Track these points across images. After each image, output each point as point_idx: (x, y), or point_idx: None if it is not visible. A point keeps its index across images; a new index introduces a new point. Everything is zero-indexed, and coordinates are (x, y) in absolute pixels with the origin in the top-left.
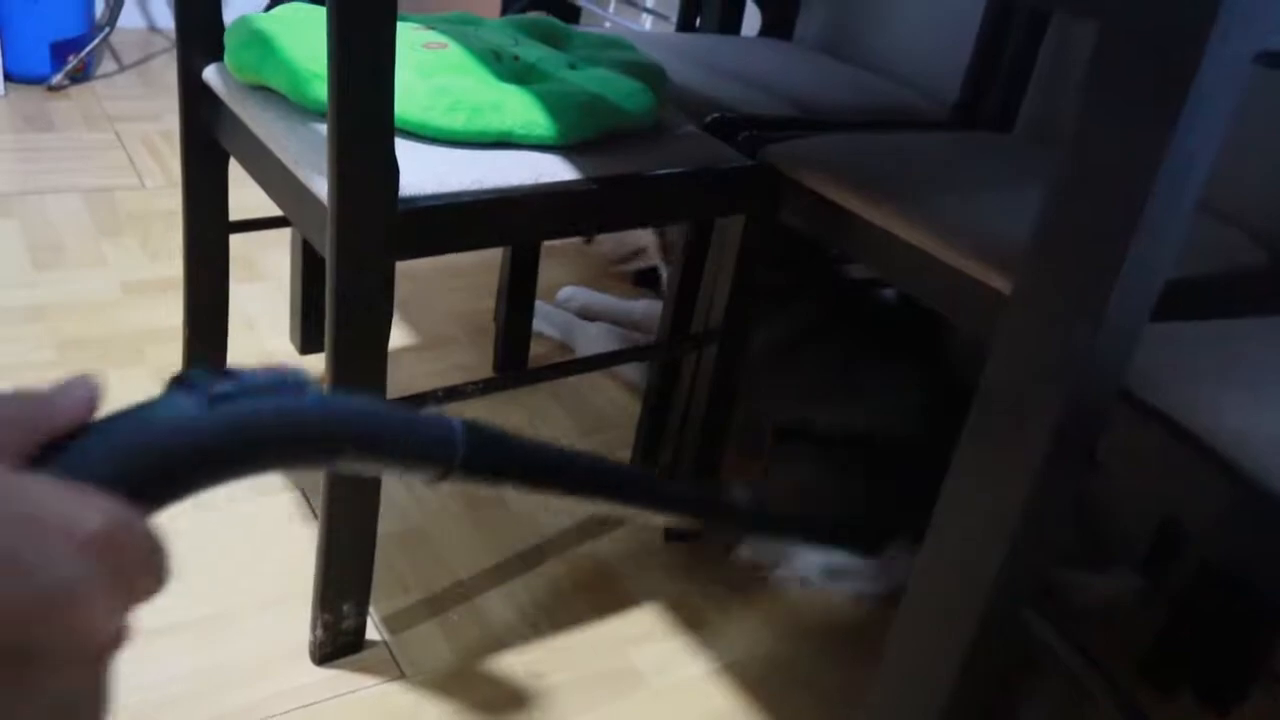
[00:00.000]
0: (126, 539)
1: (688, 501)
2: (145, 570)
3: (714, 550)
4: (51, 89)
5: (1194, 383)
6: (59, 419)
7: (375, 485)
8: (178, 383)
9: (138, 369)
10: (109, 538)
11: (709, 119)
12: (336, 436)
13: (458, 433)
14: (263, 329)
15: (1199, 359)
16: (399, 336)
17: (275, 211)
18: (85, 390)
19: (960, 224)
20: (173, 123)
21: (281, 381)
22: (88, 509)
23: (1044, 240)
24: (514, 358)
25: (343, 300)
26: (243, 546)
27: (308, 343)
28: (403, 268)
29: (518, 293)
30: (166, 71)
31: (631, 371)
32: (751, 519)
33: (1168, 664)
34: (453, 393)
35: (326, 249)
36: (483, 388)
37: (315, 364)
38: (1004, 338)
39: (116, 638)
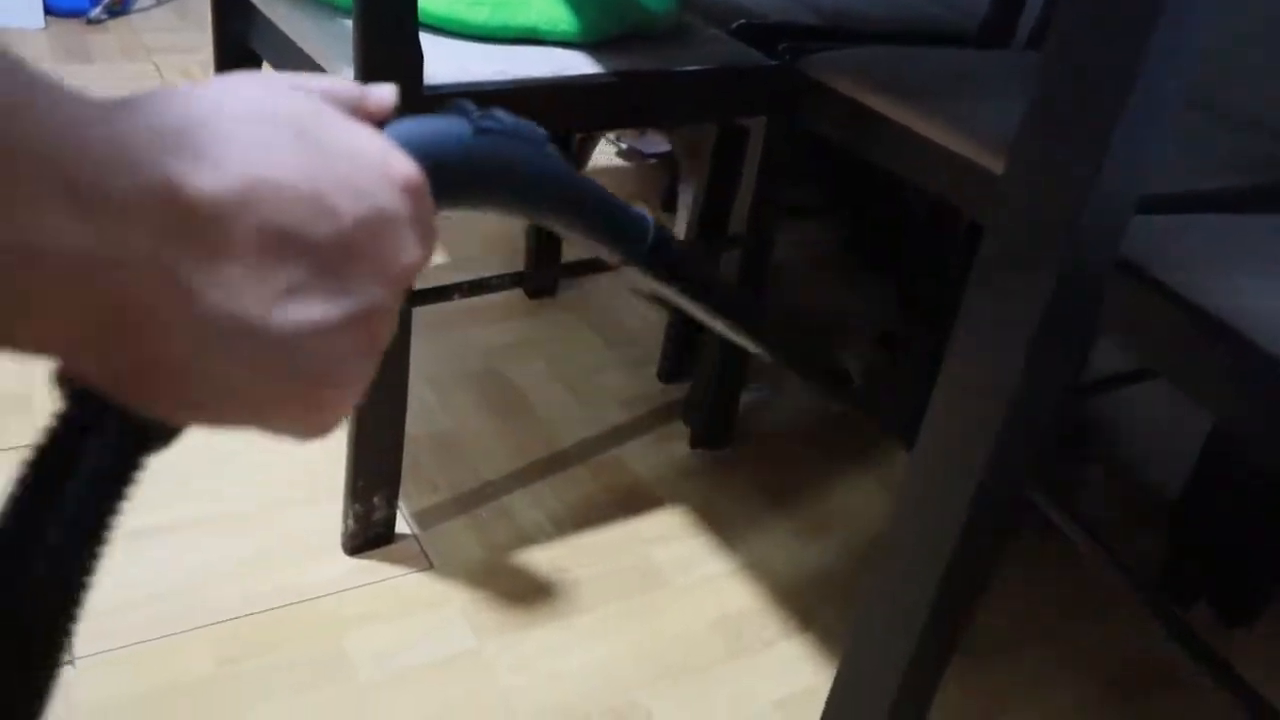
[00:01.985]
0: (425, 193)
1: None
2: (430, 231)
3: (737, 457)
4: (90, 22)
5: (1218, 270)
6: (370, 106)
7: (403, 381)
8: (453, 108)
9: None
10: (417, 187)
11: (735, 25)
12: (568, 195)
13: (651, 226)
14: None
15: (1220, 249)
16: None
17: None
18: (389, 93)
19: (980, 123)
20: (209, 54)
21: (532, 133)
22: (402, 159)
23: (1039, 110)
24: (543, 283)
25: None
26: (276, 445)
27: None
28: None
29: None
30: (202, 4)
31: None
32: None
33: (1184, 575)
34: (477, 286)
35: None
36: (509, 281)
37: None
38: (999, 211)
39: (414, 271)
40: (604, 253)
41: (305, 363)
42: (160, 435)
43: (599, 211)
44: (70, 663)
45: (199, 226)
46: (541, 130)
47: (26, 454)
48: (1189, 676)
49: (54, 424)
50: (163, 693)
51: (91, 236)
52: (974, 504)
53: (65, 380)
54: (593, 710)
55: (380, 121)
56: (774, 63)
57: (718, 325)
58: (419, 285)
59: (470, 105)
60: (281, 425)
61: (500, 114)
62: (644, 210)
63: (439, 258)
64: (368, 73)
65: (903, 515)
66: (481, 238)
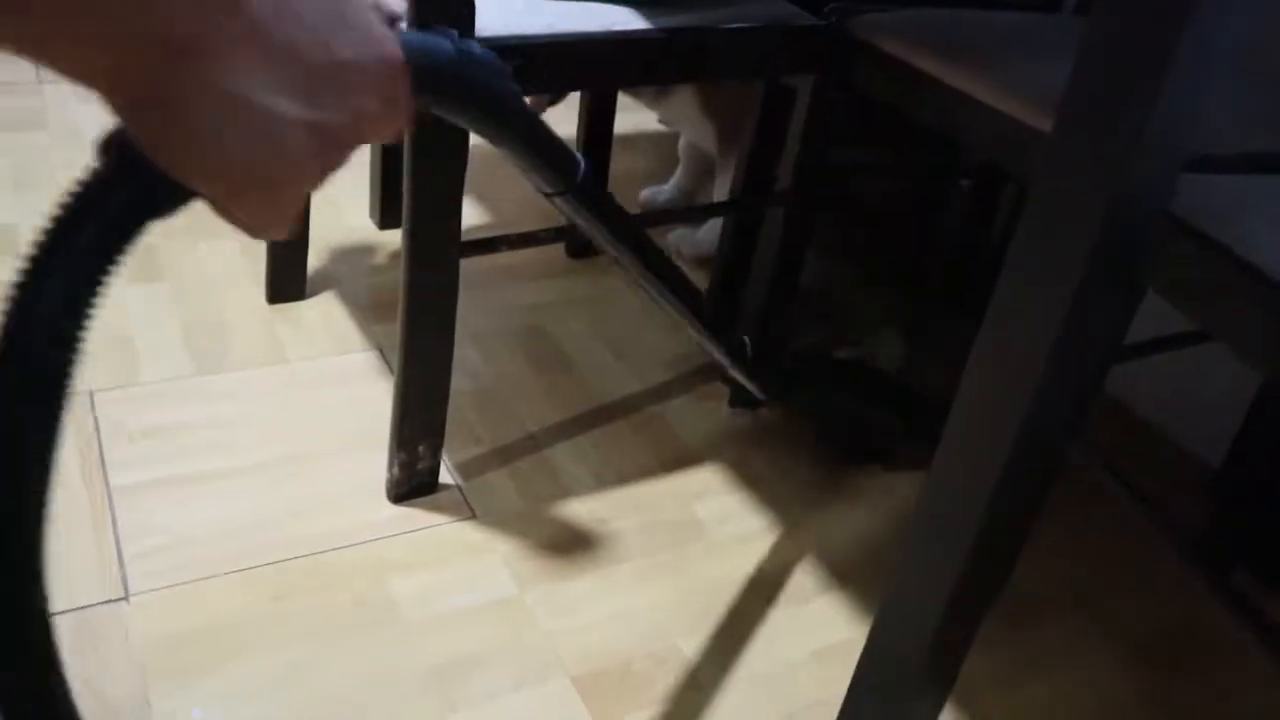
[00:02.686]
0: (405, 77)
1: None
2: (399, 112)
3: (776, 415)
4: None
5: (1272, 228)
6: (385, 6)
7: (450, 331)
8: (439, 31)
9: (227, 239)
10: (401, 70)
11: None
12: (520, 121)
13: (582, 166)
14: (344, 206)
15: (1274, 207)
16: (473, 216)
17: None
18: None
19: (1029, 84)
20: None
21: (499, 66)
22: (396, 46)
23: (1088, 64)
24: (585, 241)
25: (419, 139)
26: (325, 397)
27: (386, 219)
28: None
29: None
30: None
31: (705, 245)
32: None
33: (1224, 541)
34: (525, 239)
35: None
36: (555, 235)
37: (392, 239)
38: (1046, 165)
39: (372, 133)
40: (539, 181)
41: (279, 150)
42: (170, 197)
43: (542, 141)
44: (125, 599)
45: (240, 7)
46: (507, 66)
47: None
48: (1227, 640)
49: (88, 176)
50: (216, 629)
51: None
52: (1011, 458)
53: (108, 144)
54: (633, 655)
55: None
56: (821, 23)
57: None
58: (467, 237)
59: (454, 32)
60: (248, 209)
61: (475, 44)
62: (579, 154)
63: (482, 218)
64: (420, 23)
65: (940, 468)
66: (521, 200)
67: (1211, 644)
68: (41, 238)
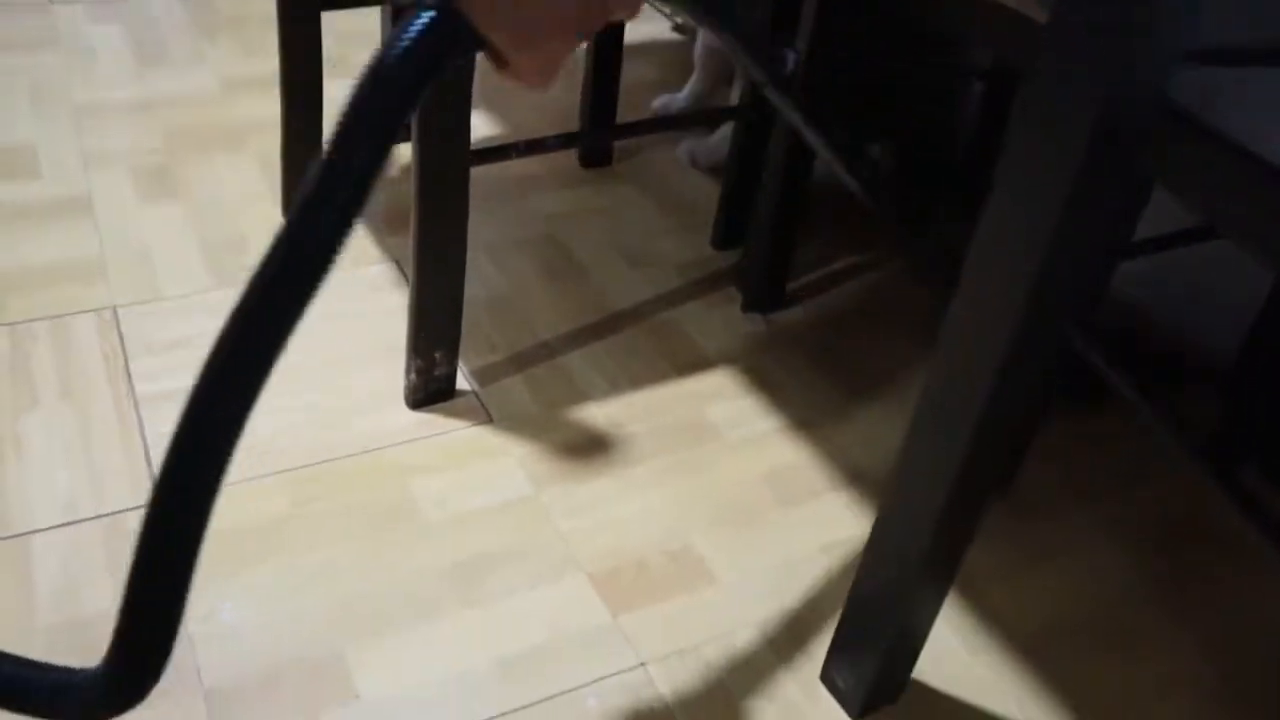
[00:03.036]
0: None
1: None
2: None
3: (788, 320)
4: None
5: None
6: None
7: (462, 237)
8: None
9: (243, 154)
10: None
11: None
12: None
13: (790, 58)
14: None
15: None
16: (485, 127)
17: None
18: None
19: None
20: None
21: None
22: None
23: None
24: (598, 151)
25: None
26: (344, 308)
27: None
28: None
29: (600, 87)
30: None
31: (719, 153)
32: None
33: (1234, 438)
34: (534, 145)
35: None
36: (564, 141)
37: (407, 151)
38: (1043, 53)
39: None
40: (753, 71)
41: (555, 8)
42: (469, 42)
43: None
44: None
45: None
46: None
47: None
48: (1232, 534)
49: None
50: (243, 532)
51: None
52: (1012, 348)
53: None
54: (647, 553)
55: None
56: None
57: None
58: (477, 146)
59: None
60: (525, 59)
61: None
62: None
63: (494, 128)
64: None
65: (941, 358)
66: (534, 107)
67: (1216, 538)
68: (373, 59)
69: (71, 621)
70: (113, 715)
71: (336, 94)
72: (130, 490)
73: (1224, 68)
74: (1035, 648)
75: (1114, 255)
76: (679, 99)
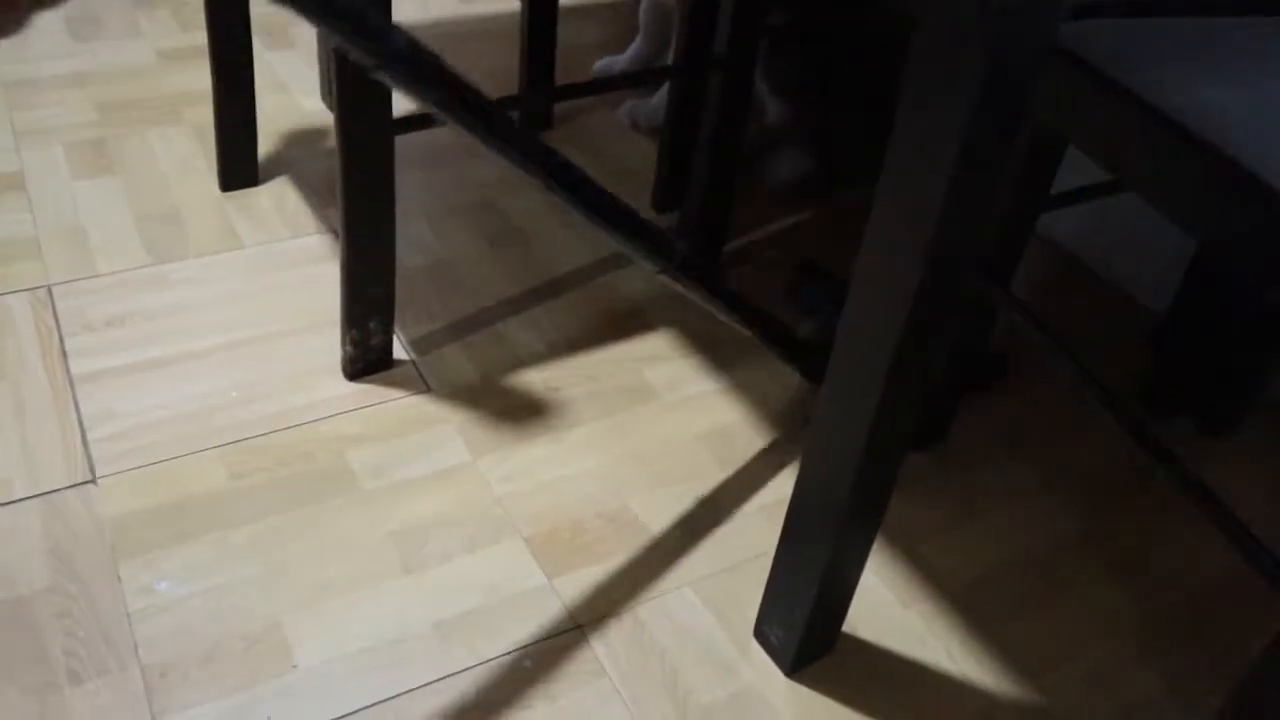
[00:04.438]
0: None
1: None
2: None
3: (725, 280)
4: None
5: (1165, 65)
6: None
7: (389, 202)
8: None
9: (178, 127)
10: None
11: None
12: None
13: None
14: (294, 90)
15: (1172, 47)
16: None
17: None
18: None
19: None
20: None
21: None
22: None
23: None
24: (537, 115)
25: None
26: (281, 280)
27: None
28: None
29: (537, 50)
30: None
31: (659, 115)
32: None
33: (1167, 389)
34: None
35: None
36: (500, 105)
37: None
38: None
39: None
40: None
41: None
42: None
43: None
44: (92, 481)
45: None
46: None
47: None
48: (1161, 487)
49: None
50: (180, 505)
51: None
52: (918, 295)
53: None
54: (585, 515)
55: None
56: None
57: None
58: (400, 113)
59: None
60: None
61: None
62: None
63: None
64: None
65: (852, 306)
66: (475, 71)
67: (1145, 490)
68: None
69: (8, 600)
70: None
71: (275, 63)
72: (65, 469)
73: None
74: (967, 599)
75: (1032, 206)
76: (620, 61)
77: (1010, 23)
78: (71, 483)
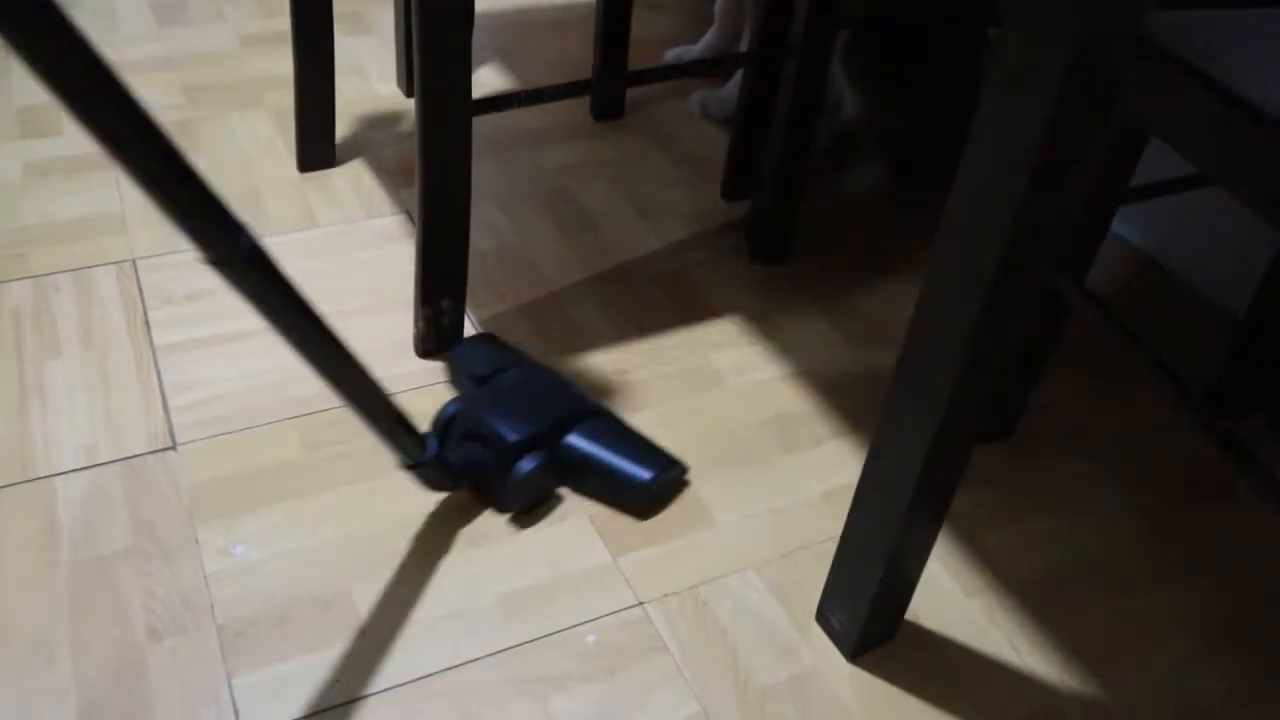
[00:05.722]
0: None
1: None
2: None
3: (794, 271)
4: None
5: (1255, 57)
6: None
7: (466, 181)
8: None
9: (258, 110)
10: None
11: None
12: None
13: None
14: (372, 76)
15: (1262, 38)
16: (499, 82)
17: None
18: None
19: None
20: None
21: None
22: None
23: None
24: (609, 103)
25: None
26: (356, 259)
27: (412, 85)
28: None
29: (611, 38)
30: None
31: (730, 104)
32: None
33: (1241, 387)
34: (537, 94)
35: None
36: (566, 90)
37: None
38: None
39: None
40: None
41: None
42: None
43: None
44: (172, 448)
45: None
46: None
47: None
48: (1234, 485)
49: None
50: (255, 475)
51: None
52: (994, 290)
53: None
54: None
55: None
56: None
57: None
58: (479, 94)
59: None
60: None
61: None
62: None
63: (507, 81)
64: None
65: (925, 302)
66: (550, 62)
67: (1217, 487)
68: None
69: (92, 559)
70: None
71: (353, 49)
72: (147, 436)
73: (1220, 10)
74: (1032, 592)
75: (1110, 201)
76: (693, 51)
77: (1096, 13)
78: (152, 449)
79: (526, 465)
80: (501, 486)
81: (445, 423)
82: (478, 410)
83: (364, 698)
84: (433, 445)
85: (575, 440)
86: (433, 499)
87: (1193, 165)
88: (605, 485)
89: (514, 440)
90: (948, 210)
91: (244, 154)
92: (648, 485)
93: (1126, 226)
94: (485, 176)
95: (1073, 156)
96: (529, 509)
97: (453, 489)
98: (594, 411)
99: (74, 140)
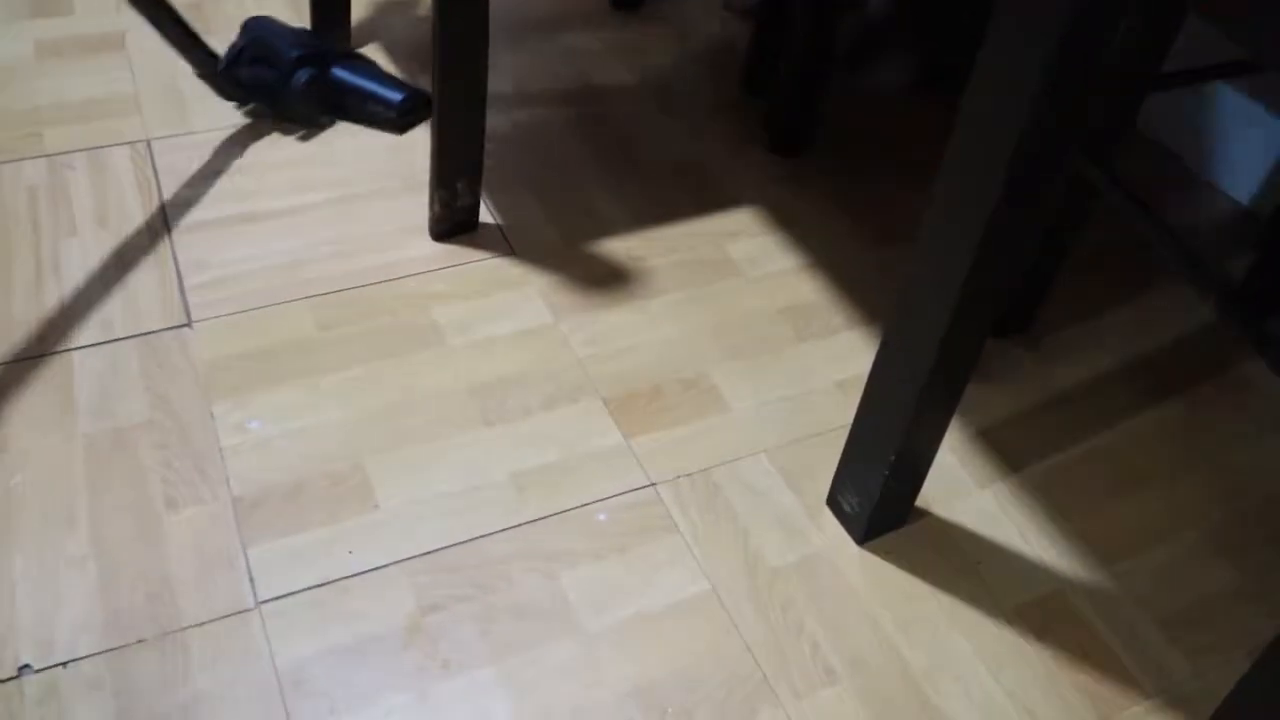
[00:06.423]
0: None
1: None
2: None
3: (813, 163)
4: None
5: None
6: None
7: (482, 65)
8: None
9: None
10: None
11: None
12: None
13: None
14: None
15: None
16: None
17: None
18: None
19: None
20: None
21: None
22: None
23: None
24: None
25: None
26: (372, 142)
27: None
28: None
29: None
30: None
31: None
32: None
33: (1266, 285)
34: None
35: None
36: None
37: None
38: None
39: None
40: None
41: None
42: None
43: None
44: (188, 325)
45: None
46: None
47: None
48: (1246, 383)
49: None
50: (270, 352)
51: None
52: (1011, 172)
53: None
54: (662, 380)
55: None
56: None
57: None
58: None
59: None
60: None
61: None
62: None
63: None
64: None
65: (942, 184)
66: None
67: (1231, 385)
68: None
69: (110, 431)
70: None
71: None
72: (162, 313)
73: None
74: (1044, 484)
75: (1139, 87)
76: None
77: None
78: (168, 325)
79: (303, 76)
80: (284, 97)
81: (238, 51)
82: (264, 39)
83: (376, 569)
84: (223, 61)
85: (340, 71)
86: (446, 379)
87: (1238, 47)
88: (363, 107)
89: (293, 56)
90: (973, 75)
91: None
92: (399, 104)
93: (1150, 123)
94: (502, 62)
95: (1103, 27)
96: (305, 124)
97: (242, 101)
98: (356, 54)
99: (86, 19)
